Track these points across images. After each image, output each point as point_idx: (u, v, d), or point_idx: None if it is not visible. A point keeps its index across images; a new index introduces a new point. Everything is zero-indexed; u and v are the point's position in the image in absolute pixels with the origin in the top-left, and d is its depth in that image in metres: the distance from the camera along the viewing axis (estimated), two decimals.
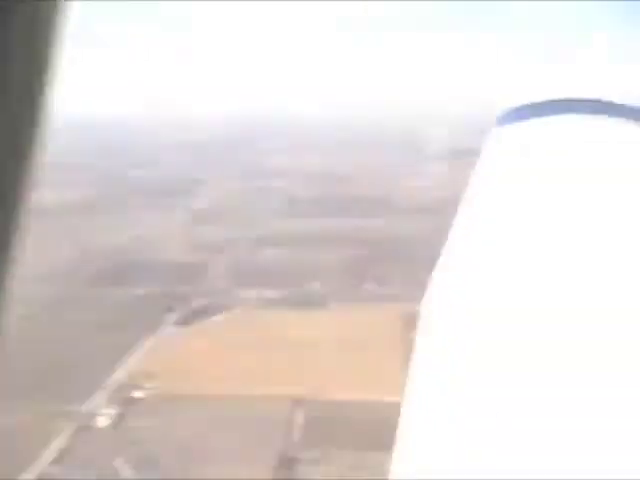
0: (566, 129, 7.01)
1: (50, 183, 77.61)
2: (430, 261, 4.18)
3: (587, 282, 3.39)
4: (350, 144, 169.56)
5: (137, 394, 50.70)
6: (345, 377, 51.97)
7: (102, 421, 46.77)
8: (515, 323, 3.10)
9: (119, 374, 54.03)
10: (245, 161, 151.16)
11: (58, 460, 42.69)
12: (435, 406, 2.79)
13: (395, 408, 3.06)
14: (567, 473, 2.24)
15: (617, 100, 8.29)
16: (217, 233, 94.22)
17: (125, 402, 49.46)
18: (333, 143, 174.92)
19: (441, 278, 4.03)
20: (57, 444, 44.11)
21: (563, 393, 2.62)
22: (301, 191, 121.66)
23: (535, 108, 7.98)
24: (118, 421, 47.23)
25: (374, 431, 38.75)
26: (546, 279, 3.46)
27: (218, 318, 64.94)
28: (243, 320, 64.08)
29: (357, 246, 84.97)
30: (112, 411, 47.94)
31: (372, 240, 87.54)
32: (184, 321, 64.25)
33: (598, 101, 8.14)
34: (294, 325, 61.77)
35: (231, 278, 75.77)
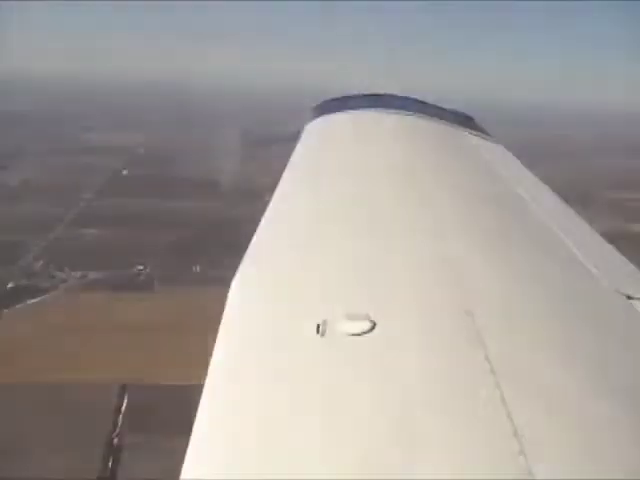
0: (366, 124, 7.77)
1: None
2: None
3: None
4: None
5: None
6: (170, 361, 51.60)
7: None
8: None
9: None
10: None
11: None
12: (226, 401, 2.89)
13: None
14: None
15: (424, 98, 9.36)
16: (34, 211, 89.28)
17: None
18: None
19: (246, 269, 4.27)
20: None
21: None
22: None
23: (344, 102, 8.84)
24: None
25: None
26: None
27: (36, 301, 61.50)
28: (65, 303, 61.33)
29: (183, 228, 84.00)
30: None
31: (198, 223, 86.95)
32: None
33: (403, 97, 9.06)
34: (118, 308, 60.21)
35: (50, 259, 71.86)
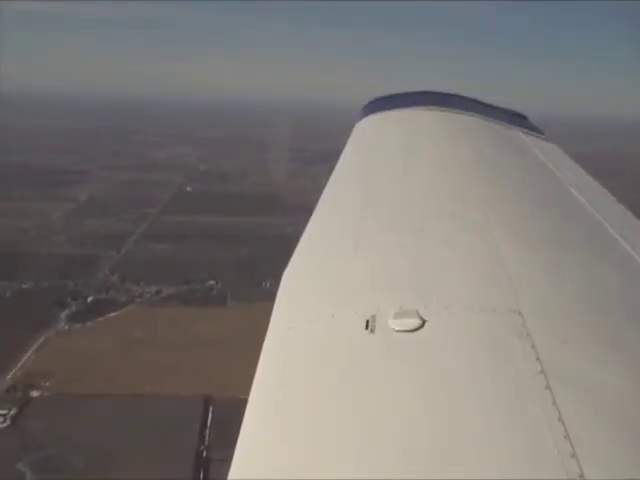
0: (415, 122, 7.64)
1: None
2: None
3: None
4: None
5: (34, 393, 48.50)
6: (250, 374, 52.25)
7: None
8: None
9: (14, 373, 51.41)
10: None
11: None
12: (273, 407, 2.89)
13: None
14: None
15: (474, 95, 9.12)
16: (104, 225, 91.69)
17: (21, 402, 47.22)
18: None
19: (296, 266, 4.30)
20: None
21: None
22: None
23: (393, 100, 8.74)
24: (16, 422, 45.04)
25: None
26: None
27: (114, 315, 63.06)
28: (141, 317, 62.74)
29: (251, 244, 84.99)
30: (8, 412, 45.61)
31: (263, 238, 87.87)
32: (78, 317, 61.84)
33: (454, 96, 8.89)
34: (193, 322, 61.25)
35: (125, 273, 73.54)
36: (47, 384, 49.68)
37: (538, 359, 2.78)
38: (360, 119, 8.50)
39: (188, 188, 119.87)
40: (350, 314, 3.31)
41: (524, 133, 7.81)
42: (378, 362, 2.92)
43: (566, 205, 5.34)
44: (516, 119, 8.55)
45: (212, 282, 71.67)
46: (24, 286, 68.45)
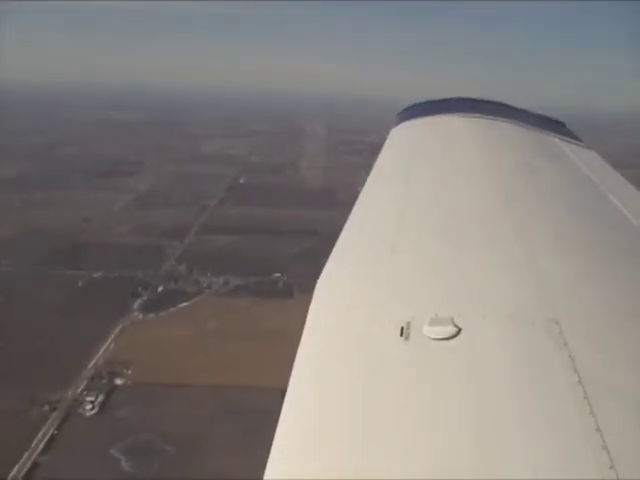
0: (450, 129, 7.57)
1: None
2: None
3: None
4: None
5: (118, 381, 49.50)
6: None
7: (89, 408, 45.45)
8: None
9: (96, 361, 52.54)
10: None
11: (47, 449, 41.32)
12: (307, 413, 2.86)
13: None
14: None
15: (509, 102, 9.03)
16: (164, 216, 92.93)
17: (107, 389, 48.25)
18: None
19: (332, 270, 4.29)
20: (46, 432, 42.62)
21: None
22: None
23: (430, 106, 8.70)
24: (104, 408, 46.07)
25: None
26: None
27: (186, 305, 63.94)
28: (212, 307, 63.55)
29: (311, 236, 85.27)
30: (96, 399, 46.64)
31: (322, 231, 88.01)
32: (151, 307, 62.86)
33: (491, 102, 8.87)
34: (263, 314, 61.82)
35: (191, 263, 74.43)
36: (129, 372, 50.58)
37: (575, 369, 2.74)
38: (396, 125, 8.47)
39: (242, 180, 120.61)
40: (385, 320, 3.29)
41: (561, 140, 7.70)
42: (412, 370, 2.90)
43: (605, 213, 5.22)
44: (553, 125, 8.46)
45: (278, 274, 72.09)
46: (95, 275, 69.71)
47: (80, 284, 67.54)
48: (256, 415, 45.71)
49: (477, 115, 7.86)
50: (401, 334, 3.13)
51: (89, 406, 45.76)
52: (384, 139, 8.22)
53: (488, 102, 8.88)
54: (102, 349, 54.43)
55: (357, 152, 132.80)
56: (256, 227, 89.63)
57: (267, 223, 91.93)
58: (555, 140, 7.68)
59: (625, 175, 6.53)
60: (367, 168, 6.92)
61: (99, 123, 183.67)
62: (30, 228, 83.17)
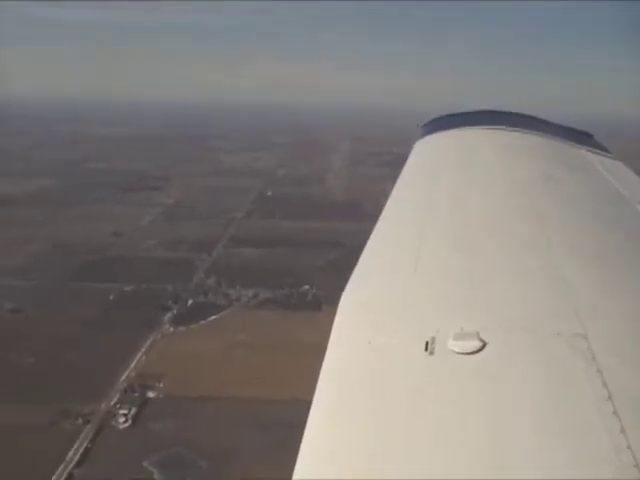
0: (475, 142, 7.52)
1: None
2: None
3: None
4: None
5: (150, 394, 49.82)
6: None
7: (122, 421, 45.79)
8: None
9: (128, 373, 52.97)
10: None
11: (82, 462, 41.65)
12: (332, 428, 2.85)
13: None
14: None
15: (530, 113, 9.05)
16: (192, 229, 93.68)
17: (140, 402, 48.58)
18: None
19: (356, 284, 4.25)
20: (80, 445, 43.00)
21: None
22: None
23: (455, 119, 8.64)
24: (137, 421, 46.38)
25: None
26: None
27: (216, 318, 64.26)
28: (242, 320, 63.76)
29: (338, 248, 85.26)
30: (129, 411, 46.98)
31: (349, 243, 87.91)
32: (181, 320, 63.25)
33: (516, 114, 8.82)
34: (294, 327, 61.87)
35: (220, 276, 74.83)
36: (161, 385, 50.88)
37: (604, 384, 2.68)
38: (420, 137, 8.42)
39: (269, 193, 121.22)
40: (410, 335, 3.28)
41: (589, 151, 7.62)
42: (437, 384, 2.87)
43: (633, 225, 5.18)
44: (581, 137, 8.38)
45: (306, 287, 72.18)
46: (126, 289, 70.38)
47: (111, 297, 68.22)
48: (285, 428, 45.75)
49: (501, 127, 7.85)
50: (426, 349, 3.12)
51: (122, 419, 46.06)
52: (410, 150, 8.22)
53: (512, 114, 8.84)
54: (134, 362, 54.82)
55: (385, 163, 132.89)
56: (283, 239, 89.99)
57: (294, 235, 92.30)
58: (581, 152, 7.63)
59: None
60: (394, 179, 6.96)
61: (120, 138, 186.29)
62: (61, 242, 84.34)
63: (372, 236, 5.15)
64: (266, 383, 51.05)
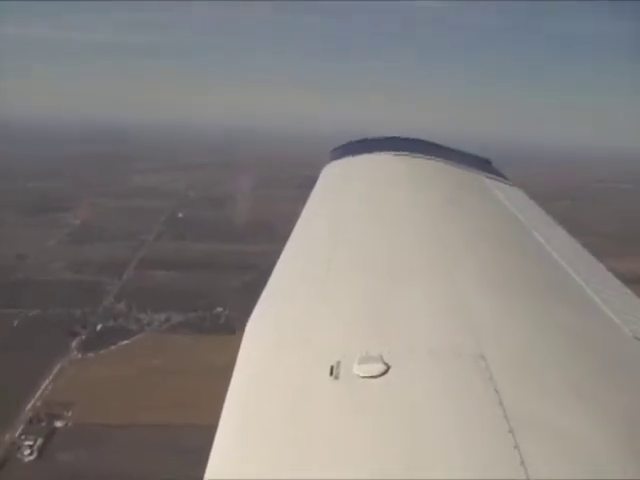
0: (382, 168, 7.71)
1: None
2: None
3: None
4: None
5: (58, 423, 48.09)
6: None
7: (27, 453, 43.94)
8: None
9: (34, 402, 50.92)
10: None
11: None
12: (240, 448, 2.95)
13: None
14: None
15: (436, 140, 9.43)
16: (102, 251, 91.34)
17: (46, 432, 46.78)
18: None
19: (263, 308, 4.37)
20: None
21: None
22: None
23: (362, 145, 8.92)
24: (42, 453, 44.61)
25: None
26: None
27: (127, 343, 62.81)
28: (154, 345, 62.58)
29: (251, 270, 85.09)
30: (34, 442, 45.15)
31: (262, 264, 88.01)
32: (90, 346, 61.43)
33: (421, 141, 9.22)
34: (206, 350, 61.18)
35: (130, 300, 73.22)
36: (69, 414, 49.24)
37: (501, 403, 2.80)
38: (328, 163, 8.65)
39: (180, 214, 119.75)
40: (315, 360, 3.32)
41: (488, 178, 7.91)
42: (342, 409, 2.92)
43: (529, 250, 5.37)
44: (480, 164, 8.73)
45: (220, 309, 71.68)
46: (31, 314, 67.72)
47: (15, 323, 65.47)
48: (200, 453, 45.09)
49: (407, 154, 8.03)
50: (331, 373, 3.16)
51: (27, 451, 44.25)
52: (319, 174, 8.42)
53: (417, 141, 9.14)
54: (40, 390, 52.88)
55: (296, 186, 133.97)
56: (195, 261, 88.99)
57: (206, 257, 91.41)
58: (481, 178, 7.88)
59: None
60: (304, 201, 7.15)
61: (33, 157, 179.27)
62: None
63: (279, 261, 5.24)
64: (179, 408, 50.20)
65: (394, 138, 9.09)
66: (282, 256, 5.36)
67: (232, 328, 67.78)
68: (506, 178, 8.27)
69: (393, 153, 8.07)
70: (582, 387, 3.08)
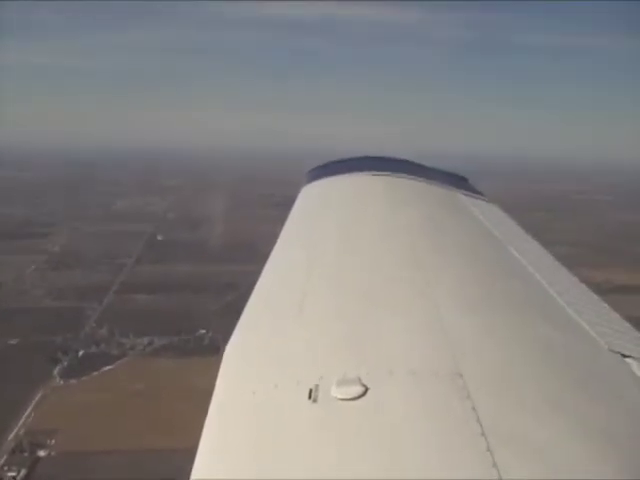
0: (360, 189, 7.75)
1: None
2: None
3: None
4: None
5: (41, 453, 47.31)
6: None
7: None
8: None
9: (16, 432, 50.06)
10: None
11: None
12: (219, 473, 2.93)
13: None
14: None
15: (415, 159, 9.66)
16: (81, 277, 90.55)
17: (30, 462, 45.97)
18: None
19: (242, 332, 4.38)
20: None
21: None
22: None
23: (339, 166, 8.95)
24: None
25: None
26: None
27: (110, 368, 62.12)
28: (137, 369, 61.96)
29: (233, 291, 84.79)
30: (17, 473, 44.37)
31: (244, 285, 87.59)
32: (72, 372, 60.67)
33: (398, 160, 9.35)
34: (190, 374, 60.71)
35: (112, 325, 72.51)
36: (53, 442, 48.48)
37: (478, 421, 2.80)
38: (306, 183, 8.67)
39: (159, 237, 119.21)
40: (293, 384, 3.31)
41: (464, 195, 8.01)
42: (321, 432, 2.91)
43: (505, 266, 5.44)
44: (456, 181, 8.85)
45: (202, 331, 71.23)
46: (11, 342, 66.76)
47: None
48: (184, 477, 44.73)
49: (384, 173, 8.09)
50: (309, 396, 3.16)
51: None
52: (297, 193, 8.42)
53: (394, 160, 9.26)
54: (22, 419, 51.98)
55: (274, 205, 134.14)
56: (176, 284, 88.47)
57: (187, 279, 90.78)
58: (458, 195, 7.98)
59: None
60: (283, 221, 7.16)
61: (3, 183, 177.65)
62: None
63: (257, 284, 5.22)
64: (164, 433, 49.69)
65: (371, 158, 9.20)
66: (260, 279, 5.35)
67: (216, 349, 67.62)
68: (482, 194, 8.36)
69: (370, 173, 8.12)
70: (560, 401, 3.10)
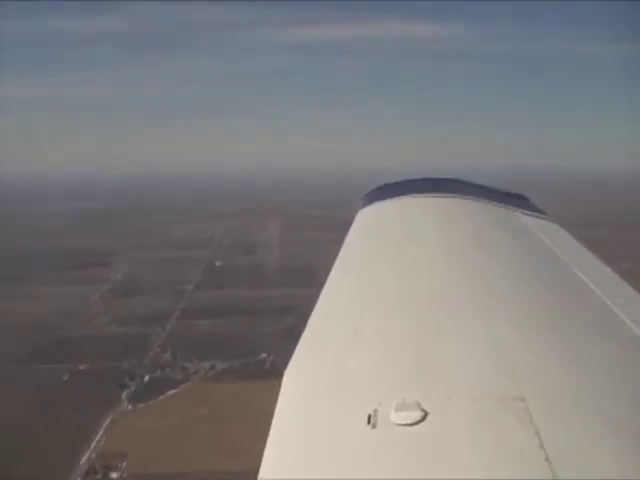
0: (416, 211, 7.67)
1: None
2: None
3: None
4: None
5: (113, 475, 48.87)
6: None
7: None
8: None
9: (89, 455, 51.84)
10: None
11: None
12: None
13: None
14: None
15: (473, 179, 9.28)
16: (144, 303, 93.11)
17: None
18: None
19: (300, 358, 4.29)
20: None
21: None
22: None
23: (394, 188, 8.76)
24: None
25: None
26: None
27: (174, 392, 63.72)
28: (201, 393, 63.37)
29: (292, 315, 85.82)
30: None
31: (303, 309, 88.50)
32: (139, 397, 62.48)
33: (455, 181, 9.09)
34: (253, 397, 61.71)
35: (175, 350, 74.39)
36: (124, 465, 50.01)
37: (542, 447, 2.73)
38: (362, 207, 8.53)
39: (217, 262, 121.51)
40: (352, 409, 3.29)
41: (525, 214, 7.81)
42: (380, 459, 2.87)
43: (570, 288, 5.28)
44: (516, 200, 8.59)
45: (264, 355, 72.29)
46: (80, 368, 69.22)
47: (65, 378, 66.95)
48: None
49: (439, 195, 8.00)
50: (368, 422, 3.12)
51: None
52: (353, 215, 8.49)
53: (449, 180, 9.13)
54: (94, 442, 53.82)
55: (330, 228, 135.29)
56: (236, 308, 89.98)
57: (247, 304, 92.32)
58: (518, 215, 7.75)
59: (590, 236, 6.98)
60: (340, 244, 7.21)
61: (61, 214, 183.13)
62: (9, 324, 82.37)
63: (315, 309, 5.16)
64: (230, 456, 50.63)
65: (426, 179, 9.11)
66: (318, 304, 5.28)
67: (277, 373, 68.21)
68: (544, 213, 8.16)
69: (425, 194, 8.08)
70: (627, 427, 3.01)
